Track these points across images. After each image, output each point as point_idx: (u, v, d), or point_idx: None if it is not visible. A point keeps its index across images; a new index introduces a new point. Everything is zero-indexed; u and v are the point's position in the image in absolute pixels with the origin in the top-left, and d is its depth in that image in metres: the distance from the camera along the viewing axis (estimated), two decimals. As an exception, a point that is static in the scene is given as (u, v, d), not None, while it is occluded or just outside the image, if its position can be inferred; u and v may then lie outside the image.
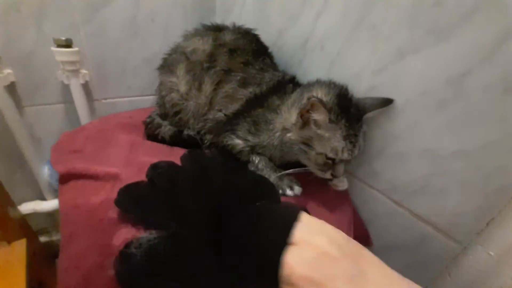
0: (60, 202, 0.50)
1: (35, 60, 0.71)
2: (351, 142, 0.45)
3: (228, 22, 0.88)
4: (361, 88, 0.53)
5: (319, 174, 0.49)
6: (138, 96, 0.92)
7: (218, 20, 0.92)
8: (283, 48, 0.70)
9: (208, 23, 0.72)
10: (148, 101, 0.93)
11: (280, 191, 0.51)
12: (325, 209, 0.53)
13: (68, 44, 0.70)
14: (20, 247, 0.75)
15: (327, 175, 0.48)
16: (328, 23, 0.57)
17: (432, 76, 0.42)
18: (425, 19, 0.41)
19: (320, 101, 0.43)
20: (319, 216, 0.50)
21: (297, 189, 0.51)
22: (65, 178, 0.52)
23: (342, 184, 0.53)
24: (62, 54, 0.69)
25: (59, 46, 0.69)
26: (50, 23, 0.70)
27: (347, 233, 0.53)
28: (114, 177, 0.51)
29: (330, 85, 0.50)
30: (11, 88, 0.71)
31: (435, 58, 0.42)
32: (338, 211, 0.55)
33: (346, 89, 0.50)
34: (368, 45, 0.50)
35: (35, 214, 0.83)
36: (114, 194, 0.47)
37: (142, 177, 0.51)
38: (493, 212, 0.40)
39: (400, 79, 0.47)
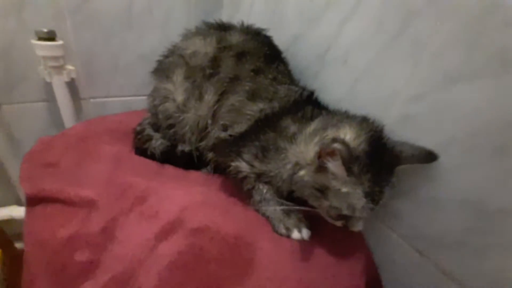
0: (25, 231, 0.42)
1: (14, 54, 0.63)
2: (373, 200, 0.36)
3: (235, 19, 0.78)
4: (390, 116, 0.44)
5: (329, 220, 0.41)
6: (131, 96, 0.83)
7: (225, 16, 0.83)
8: (297, 56, 0.61)
9: (212, 20, 0.63)
10: (143, 101, 0.83)
11: (284, 231, 0.43)
12: (335, 254, 0.45)
13: (50, 37, 0.61)
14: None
15: (338, 224, 0.40)
16: (356, 32, 0.48)
17: (489, 114, 0.34)
18: (491, 41, 0.32)
19: (344, 150, 0.34)
20: (329, 265, 0.43)
21: (305, 233, 0.43)
22: (33, 201, 0.44)
23: (356, 225, 0.44)
24: (43, 48, 0.60)
25: (40, 39, 0.60)
26: (32, 12, 0.61)
27: (358, 284, 0.47)
28: (89, 204, 0.43)
29: (362, 124, 0.41)
30: (-15, 84, 0.62)
31: (496, 92, 0.33)
32: (351, 256, 0.47)
33: (381, 131, 0.40)
34: (407, 64, 0.41)
35: (12, 220, 0.76)
36: (86, 228, 0.39)
37: (122, 203, 0.44)
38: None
39: (445, 112, 0.38)
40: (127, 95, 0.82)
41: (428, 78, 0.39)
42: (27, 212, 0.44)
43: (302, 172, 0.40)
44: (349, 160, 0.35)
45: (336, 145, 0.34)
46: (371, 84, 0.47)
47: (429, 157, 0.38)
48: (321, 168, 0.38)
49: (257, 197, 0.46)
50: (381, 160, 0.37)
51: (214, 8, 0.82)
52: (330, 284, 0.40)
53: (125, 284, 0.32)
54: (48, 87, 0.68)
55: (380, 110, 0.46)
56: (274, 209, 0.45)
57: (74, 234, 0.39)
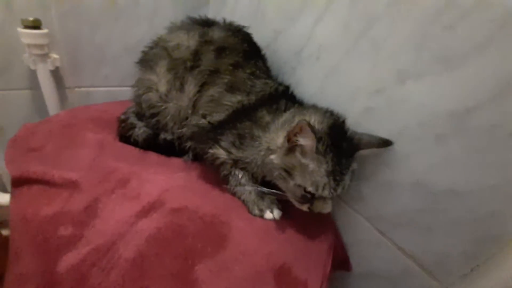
0: (10, 210, 0.44)
1: (1, 41, 0.63)
2: (335, 180, 0.41)
3: (222, 15, 0.81)
4: (355, 108, 0.49)
5: (296, 204, 0.45)
6: (116, 87, 0.84)
7: (211, 11, 0.85)
8: (277, 52, 0.64)
9: (196, 16, 0.65)
10: (128, 92, 0.84)
11: (258, 212, 0.47)
12: (305, 233, 0.49)
13: (36, 25, 0.61)
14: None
15: (304, 208, 0.44)
16: (327, 32, 0.52)
17: (433, 107, 0.39)
18: (434, 43, 0.37)
19: (310, 125, 0.39)
20: (298, 241, 0.49)
21: (277, 213, 0.47)
22: (18, 182, 0.46)
23: (319, 207, 0.47)
24: (29, 36, 0.61)
25: (26, 27, 0.61)
26: (19, 0, 0.61)
27: (326, 260, 0.52)
28: (72, 185, 0.45)
29: (326, 113, 0.46)
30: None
31: (439, 88, 0.38)
32: (319, 236, 0.51)
33: (343, 122, 0.45)
34: (368, 62, 0.46)
35: (-4, 207, 0.76)
36: (70, 206, 0.42)
37: (105, 186, 0.46)
38: (480, 259, 0.38)
39: (398, 105, 0.43)
40: (112, 86, 0.83)
41: (385, 76, 0.44)
42: (12, 193, 0.46)
43: (272, 156, 0.44)
44: (317, 134, 0.39)
45: (303, 122, 0.39)
46: (339, 80, 0.51)
47: (384, 142, 0.43)
48: (289, 151, 0.42)
49: (233, 182, 0.49)
50: (342, 145, 0.42)
51: (201, 3, 0.84)
52: (299, 258, 0.45)
53: (104, 254, 0.35)
54: (33, 75, 0.68)
55: (347, 103, 0.50)
56: (249, 192, 0.49)
57: (58, 212, 0.41)
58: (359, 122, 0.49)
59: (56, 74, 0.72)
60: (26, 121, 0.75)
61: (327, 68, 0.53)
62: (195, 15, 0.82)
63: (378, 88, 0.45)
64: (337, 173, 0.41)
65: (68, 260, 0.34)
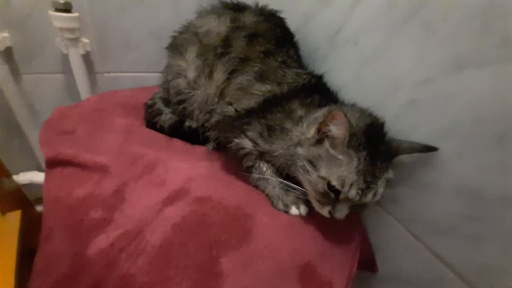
0: (44, 190, 0.46)
1: (33, 24, 0.65)
2: (365, 181, 0.37)
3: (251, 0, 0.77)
4: (396, 100, 0.44)
5: (316, 206, 0.42)
6: (142, 73, 0.84)
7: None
8: (308, 37, 0.60)
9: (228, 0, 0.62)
10: (154, 78, 0.85)
11: (282, 207, 0.45)
12: (331, 231, 0.47)
13: (67, 8, 0.62)
14: (14, 218, 0.74)
15: (324, 212, 0.40)
16: (367, 13, 0.47)
17: (494, 102, 0.33)
18: (499, 28, 0.31)
19: (345, 114, 0.35)
20: (323, 240, 0.46)
21: (303, 209, 0.45)
22: (52, 163, 0.48)
23: (341, 210, 0.40)
24: (60, 19, 0.62)
25: (57, 10, 0.62)
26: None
27: (351, 260, 0.49)
28: (102, 169, 0.46)
29: (365, 112, 0.42)
30: (7, 53, 0.65)
31: (502, 79, 0.32)
32: (346, 234, 0.49)
33: (382, 124, 0.41)
34: (416, 48, 0.40)
35: (33, 184, 0.82)
36: (100, 190, 0.43)
37: (132, 171, 0.47)
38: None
39: (451, 98, 0.37)
40: (138, 71, 0.84)
41: (437, 63, 0.38)
42: (46, 174, 0.48)
43: (300, 148, 0.42)
44: (352, 125, 0.36)
45: (337, 110, 0.36)
46: (379, 68, 0.47)
47: (428, 148, 0.39)
48: (318, 141, 0.40)
49: (256, 174, 0.47)
50: (378, 147, 0.38)
51: (228, -15, 0.80)
52: (324, 256, 0.43)
53: (133, 239, 0.35)
54: (65, 59, 0.70)
55: (386, 94, 0.46)
56: (272, 186, 0.47)
57: (88, 194, 0.42)
58: (400, 116, 0.44)
59: (86, 59, 0.73)
60: (59, 104, 0.78)
61: (365, 54, 0.48)
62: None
63: (427, 78, 0.40)
64: (369, 174, 0.37)
65: (98, 243, 0.35)
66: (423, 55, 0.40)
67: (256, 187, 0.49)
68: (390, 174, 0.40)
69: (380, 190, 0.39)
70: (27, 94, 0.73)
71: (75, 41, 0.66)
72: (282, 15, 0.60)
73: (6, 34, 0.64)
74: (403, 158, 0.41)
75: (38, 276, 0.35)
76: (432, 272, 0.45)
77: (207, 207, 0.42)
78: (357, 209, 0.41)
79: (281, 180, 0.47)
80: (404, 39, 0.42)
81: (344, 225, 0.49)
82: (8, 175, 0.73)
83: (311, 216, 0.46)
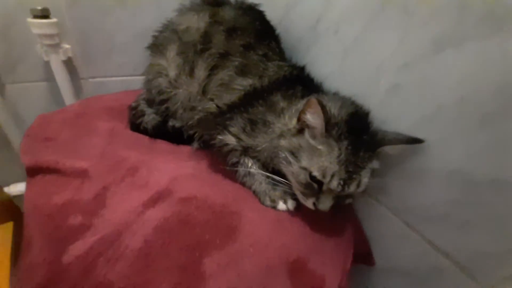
0: (24, 199, 0.45)
1: (12, 33, 0.64)
2: (347, 172, 0.36)
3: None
4: (380, 87, 0.43)
5: (301, 198, 0.41)
6: (129, 76, 0.83)
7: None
8: (290, 29, 0.59)
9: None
10: (141, 81, 0.84)
11: (269, 202, 0.44)
12: (322, 224, 0.45)
13: (44, 14, 0.61)
14: (6, 230, 0.73)
15: (309, 203, 0.39)
16: (345, 1, 0.46)
17: (478, 80, 0.32)
18: (480, 2, 0.30)
19: (320, 102, 0.34)
20: (314, 234, 0.45)
21: (291, 203, 0.43)
22: (32, 172, 0.47)
23: (325, 202, 0.39)
24: (38, 26, 0.61)
25: (35, 17, 0.61)
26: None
27: (345, 253, 0.48)
28: (83, 174, 0.45)
29: (347, 101, 0.41)
30: (-12, 64, 0.64)
31: (486, 55, 0.31)
32: (338, 228, 0.47)
33: (367, 114, 0.40)
34: (396, 31, 0.39)
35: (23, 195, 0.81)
36: (79, 195, 0.42)
37: (114, 174, 0.46)
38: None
39: (433, 80, 0.36)
40: (125, 75, 0.83)
41: (416, 46, 0.37)
42: (27, 182, 0.47)
43: (282, 140, 0.41)
44: (327, 113, 0.35)
45: (312, 98, 0.35)
46: (361, 55, 0.45)
47: (413, 140, 0.38)
48: (299, 131, 0.39)
49: (242, 171, 0.46)
50: (362, 137, 0.37)
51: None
52: (314, 251, 0.41)
53: (111, 244, 0.34)
54: (47, 66, 0.69)
55: (370, 82, 0.44)
56: (259, 182, 0.45)
57: (68, 200, 0.41)
58: (385, 103, 0.43)
59: (69, 65, 0.72)
60: (45, 112, 0.77)
61: (347, 42, 0.47)
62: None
63: (407, 62, 0.39)
64: (351, 164, 0.36)
65: (75, 250, 0.33)
66: (402, 39, 0.39)
67: (243, 184, 0.47)
68: (374, 164, 0.39)
69: (364, 180, 0.38)
70: (11, 104, 0.72)
71: (55, 47, 0.65)
72: (263, 9, 0.59)
73: (-15, 44, 0.63)
74: (388, 149, 0.39)
75: (19, 283, 0.33)
76: (428, 262, 0.43)
77: (191, 207, 0.41)
78: (343, 200, 0.39)
79: (267, 174, 0.46)
80: (383, 24, 0.41)
81: (335, 217, 0.48)
82: None
83: (300, 211, 0.45)
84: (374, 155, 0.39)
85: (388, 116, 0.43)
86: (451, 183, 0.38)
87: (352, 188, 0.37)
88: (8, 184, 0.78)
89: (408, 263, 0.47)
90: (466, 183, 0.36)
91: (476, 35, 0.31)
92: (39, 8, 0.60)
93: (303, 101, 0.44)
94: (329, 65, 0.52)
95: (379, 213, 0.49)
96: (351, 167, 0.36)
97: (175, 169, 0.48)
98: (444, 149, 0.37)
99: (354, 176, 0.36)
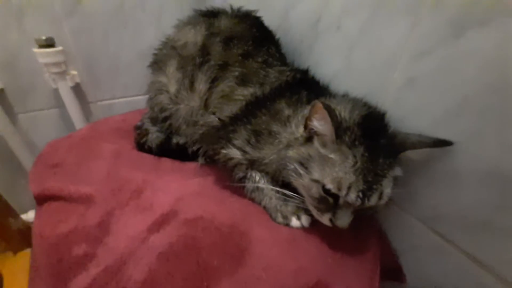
0: (33, 228, 0.44)
1: (20, 64, 0.66)
2: (366, 182, 0.31)
3: (226, 4, 0.75)
4: (393, 82, 0.39)
5: (315, 214, 0.37)
6: (136, 96, 0.84)
7: (217, 1, 0.80)
8: (291, 31, 0.56)
9: (203, 7, 0.60)
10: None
11: (282, 219, 0.40)
12: (342, 241, 0.41)
13: (49, 43, 0.63)
14: (25, 257, 0.74)
15: (325, 220, 0.35)
16: (347, -7, 0.43)
17: (509, 62, 0.27)
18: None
19: (327, 106, 0.31)
20: (334, 252, 0.38)
21: (305, 219, 0.40)
22: (40, 200, 0.47)
23: (343, 217, 0.34)
24: (45, 55, 0.63)
25: (41, 46, 0.63)
26: (31, 20, 0.63)
27: (372, 271, 0.43)
28: (87, 199, 0.44)
29: (359, 102, 0.37)
30: (0, 95, 0.67)
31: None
32: (361, 243, 0.42)
33: (383, 115, 0.36)
34: (405, 18, 0.35)
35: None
36: (84, 222, 0.40)
37: (119, 198, 0.44)
38: None
39: (456, 67, 0.32)
40: (132, 95, 0.84)
41: (432, 32, 0.33)
42: (36, 211, 0.47)
43: (289, 151, 0.37)
44: (335, 118, 0.32)
45: (317, 102, 0.32)
46: (368, 49, 0.41)
47: (441, 143, 0.33)
48: (308, 140, 0.35)
49: (250, 186, 0.43)
50: (379, 141, 0.33)
51: (206, -4, 0.79)
52: (336, 272, 0.37)
53: (114, 275, 0.32)
54: (56, 93, 0.71)
55: (382, 76, 0.40)
56: (269, 197, 0.42)
57: (73, 229, 0.40)
58: (401, 99, 0.39)
59: (77, 90, 0.74)
60: (57, 137, 0.79)
61: (351, 36, 0.43)
62: (201, 8, 0.78)
63: (423, 50, 0.34)
64: (370, 173, 0.32)
65: (77, 284, 0.32)
66: (414, 26, 0.35)
67: (252, 199, 0.44)
68: (397, 171, 0.34)
69: (387, 190, 0.33)
70: (25, 132, 0.75)
71: (62, 74, 0.67)
72: (260, 14, 0.57)
73: (-4, 77, 0.66)
74: (411, 154, 0.35)
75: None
76: (469, 278, 0.37)
77: (197, 229, 0.38)
78: (364, 213, 0.35)
79: (277, 188, 0.42)
80: (390, 11, 0.37)
81: (357, 231, 0.43)
82: (15, 215, 0.74)
83: (316, 226, 0.40)
84: (395, 161, 0.34)
85: (405, 114, 0.39)
86: (488, 185, 0.32)
87: (373, 200, 0.32)
88: (26, 211, 0.81)
89: (445, 279, 0.41)
90: (507, 184, 0.31)
91: (501, 10, 0.27)
92: (44, 37, 0.62)
93: (310, 107, 0.41)
94: (334, 63, 0.48)
95: (407, 223, 0.44)
96: (370, 177, 0.32)
97: (180, 188, 0.46)
98: (475, 147, 0.32)
99: (374, 186, 0.32)
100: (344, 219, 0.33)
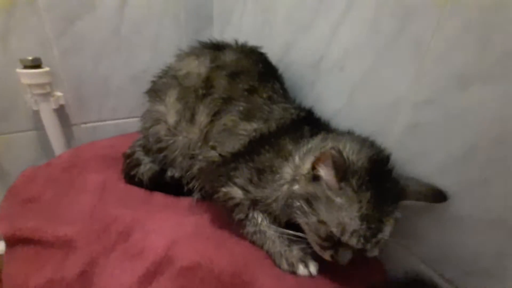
0: (2, 275, 0.38)
1: (1, 84, 0.61)
2: (369, 228, 0.31)
3: (226, 34, 0.76)
4: (397, 125, 0.39)
5: (317, 249, 0.36)
6: (124, 119, 0.80)
7: (215, 31, 0.81)
8: (292, 66, 0.57)
9: (203, 37, 0.61)
10: (136, 123, 0.80)
11: (287, 266, 0.38)
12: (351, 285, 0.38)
13: (36, 64, 0.59)
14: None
15: (326, 255, 0.35)
16: (349, 36, 0.44)
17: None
18: (503, 37, 0.28)
19: (339, 153, 0.31)
20: None
21: (313, 266, 0.37)
22: (11, 242, 0.40)
23: (343, 257, 0.34)
24: (29, 76, 0.58)
25: (26, 67, 0.59)
26: (17, 40, 0.59)
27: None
28: (67, 244, 0.39)
29: (365, 142, 0.37)
30: (-28, 116, 0.61)
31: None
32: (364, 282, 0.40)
33: (387, 157, 0.36)
34: (411, 66, 0.37)
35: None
36: (62, 273, 0.35)
37: (104, 242, 0.39)
38: None
39: (462, 117, 0.33)
40: (120, 118, 0.80)
41: (436, 81, 0.34)
42: (6, 254, 0.40)
43: (296, 186, 0.36)
44: (342, 166, 0.32)
45: (331, 150, 0.31)
46: (372, 91, 0.43)
47: (437, 197, 0.34)
48: (315, 178, 0.35)
49: (251, 228, 0.41)
50: (384, 186, 0.33)
51: (204, 24, 0.80)
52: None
53: None
54: (37, 115, 0.66)
55: (385, 118, 0.41)
56: (272, 241, 0.40)
57: (49, 280, 0.34)
58: (404, 142, 0.39)
59: (60, 112, 0.69)
60: (32, 163, 0.71)
61: (354, 78, 0.44)
62: (199, 37, 0.78)
63: (428, 98, 0.35)
64: (374, 220, 0.32)
65: None
66: (419, 74, 0.36)
67: (253, 242, 0.41)
68: (397, 214, 0.34)
69: (387, 236, 0.33)
70: (-5, 156, 0.67)
71: (47, 95, 0.62)
72: (262, 49, 0.57)
73: (-29, 97, 0.60)
74: (408, 203, 0.35)
75: None
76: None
77: (195, 280, 0.34)
78: (365, 252, 0.34)
79: (281, 230, 0.40)
80: (394, 58, 0.38)
81: (365, 278, 0.41)
82: None
83: (324, 272, 0.38)
84: (397, 206, 0.34)
85: (409, 157, 0.39)
86: (496, 231, 0.32)
87: (372, 245, 0.32)
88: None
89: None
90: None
91: (503, 72, 0.28)
92: (30, 58, 0.58)
93: (314, 140, 0.40)
94: (336, 101, 0.49)
95: (411, 264, 0.43)
96: (374, 223, 0.31)
97: (175, 229, 0.42)
98: (482, 193, 0.33)
99: (376, 232, 0.32)
100: (345, 257, 0.33)
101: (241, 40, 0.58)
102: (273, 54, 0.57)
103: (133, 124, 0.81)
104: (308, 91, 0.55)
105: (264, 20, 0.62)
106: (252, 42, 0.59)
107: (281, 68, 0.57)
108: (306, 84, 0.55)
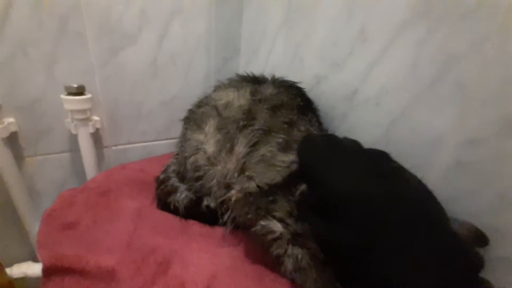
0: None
1: (42, 108, 0.64)
2: None
3: (253, 64, 0.80)
4: (440, 161, 0.39)
5: None
6: (152, 141, 0.83)
7: (242, 61, 0.85)
8: (322, 97, 0.59)
9: (232, 68, 0.64)
10: (163, 145, 0.84)
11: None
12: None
13: (80, 91, 0.62)
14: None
15: None
16: (387, 75, 0.46)
17: None
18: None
19: None
20: None
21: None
22: (49, 271, 0.40)
23: None
24: (72, 102, 0.62)
25: (69, 94, 0.62)
26: (62, 68, 0.64)
27: None
28: (109, 276, 0.38)
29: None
30: (12, 139, 0.63)
31: None
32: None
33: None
34: (454, 107, 0.38)
35: (27, 278, 0.71)
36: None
37: (144, 274, 0.39)
38: None
39: (508, 159, 0.33)
40: (148, 141, 0.82)
41: (482, 123, 0.35)
42: (42, 284, 0.40)
43: None
44: None
45: None
46: (412, 127, 0.43)
47: (481, 241, 0.34)
48: None
49: (289, 266, 0.39)
50: None
51: (232, 54, 0.84)
52: None
53: None
54: (73, 138, 0.69)
55: (426, 154, 0.41)
56: (313, 279, 0.38)
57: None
58: (448, 179, 0.39)
59: (95, 135, 0.72)
60: (63, 183, 0.74)
61: (392, 114, 0.45)
62: (226, 67, 0.83)
63: (473, 138, 0.36)
64: None
65: None
66: (463, 115, 0.37)
67: (292, 280, 0.40)
68: None
69: None
70: (28, 177, 0.69)
71: (86, 120, 0.65)
72: (290, 77, 0.60)
73: (11, 119, 0.63)
74: None
75: None
76: None
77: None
78: None
79: (322, 267, 0.39)
80: (436, 98, 0.39)
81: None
82: (1, 268, 0.64)
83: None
84: None
85: (455, 195, 0.38)
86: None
87: None
88: (11, 265, 0.70)
89: None
90: None
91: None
92: (75, 85, 0.61)
93: None
94: (371, 134, 0.50)
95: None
96: None
97: (212, 261, 0.42)
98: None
99: None
100: None
101: (268, 71, 0.62)
102: (303, 84, 0.60)
103: (159, 146, 0.84)
104: (340, 122, 0.56)
105: (294, 54, 0.66)
106: (279, 73, 0.62)
107: (312, 98, 0.59)
108: (338, 115, 0.56)
